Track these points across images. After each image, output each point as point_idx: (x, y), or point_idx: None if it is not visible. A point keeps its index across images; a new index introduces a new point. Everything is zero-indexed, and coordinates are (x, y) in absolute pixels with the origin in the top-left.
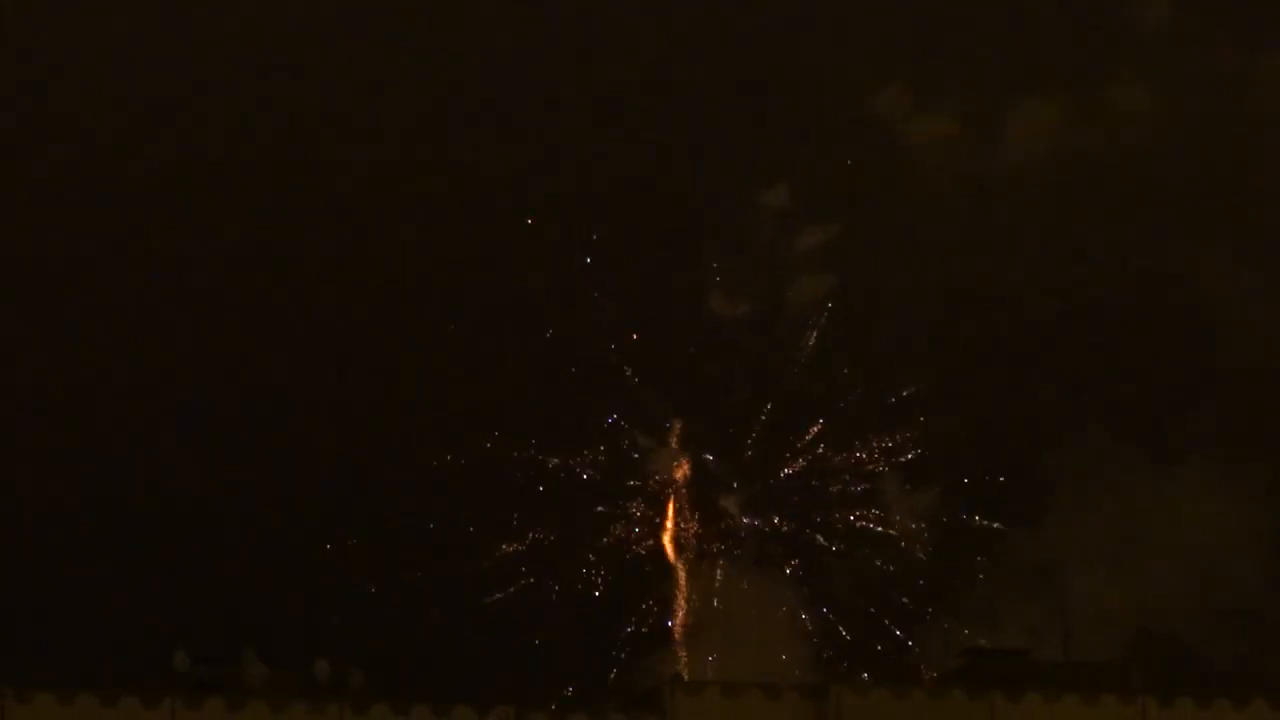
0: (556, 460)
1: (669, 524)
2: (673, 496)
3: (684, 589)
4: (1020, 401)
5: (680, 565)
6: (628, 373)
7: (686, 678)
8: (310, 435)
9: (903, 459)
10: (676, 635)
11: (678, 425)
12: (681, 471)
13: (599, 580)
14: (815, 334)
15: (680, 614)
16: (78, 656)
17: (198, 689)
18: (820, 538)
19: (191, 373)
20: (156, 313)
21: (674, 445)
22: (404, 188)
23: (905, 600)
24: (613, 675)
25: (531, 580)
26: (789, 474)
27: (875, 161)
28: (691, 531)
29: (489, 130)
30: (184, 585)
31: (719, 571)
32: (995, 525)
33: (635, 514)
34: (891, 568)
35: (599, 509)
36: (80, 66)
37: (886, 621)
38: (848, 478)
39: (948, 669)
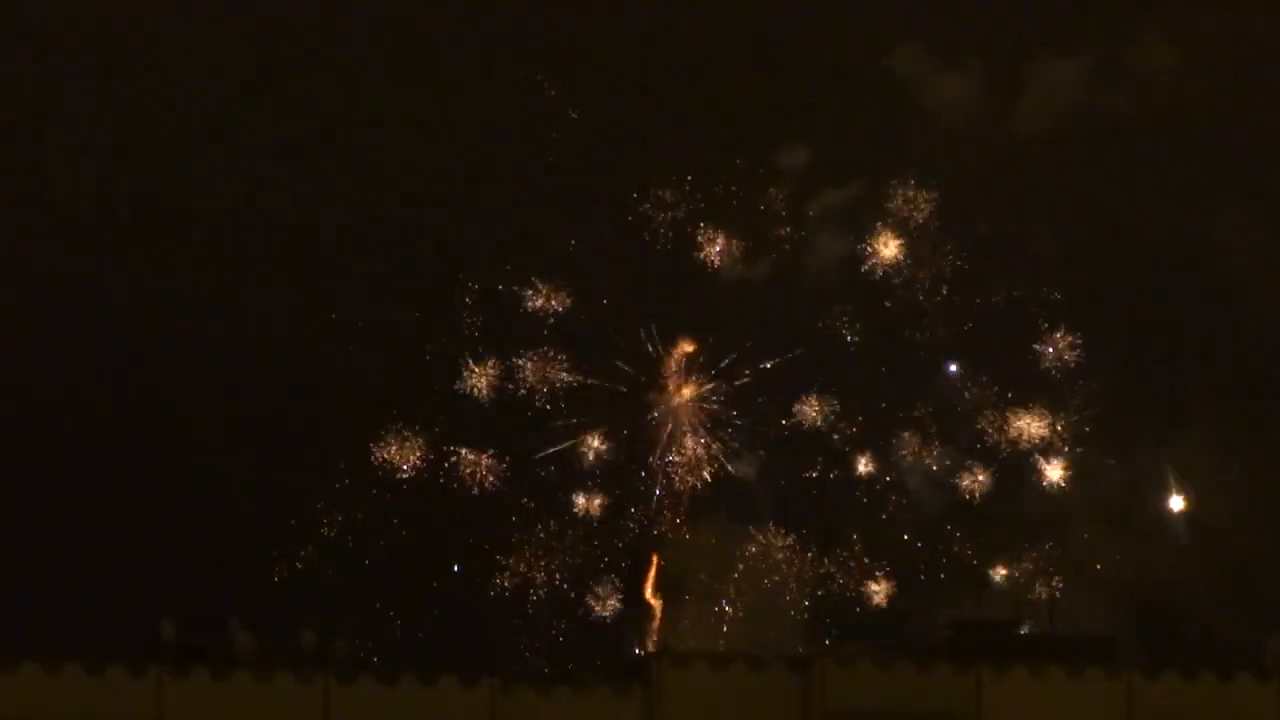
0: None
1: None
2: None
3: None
4: (1032, 361)
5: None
6: (641, 336)
7: (667, 647)
8: (291, 403)
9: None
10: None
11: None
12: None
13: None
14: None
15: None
16: (63, 626)
17: (184, 658)
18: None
19: (172, 345)
20: (133, 282)
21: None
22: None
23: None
24: (597, 646)
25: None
26: (797, 430)
27: (894, 122)
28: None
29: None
30: (170, 554)
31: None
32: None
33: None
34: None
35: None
36: None
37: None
38: (858, 434)
39: (935, 640)
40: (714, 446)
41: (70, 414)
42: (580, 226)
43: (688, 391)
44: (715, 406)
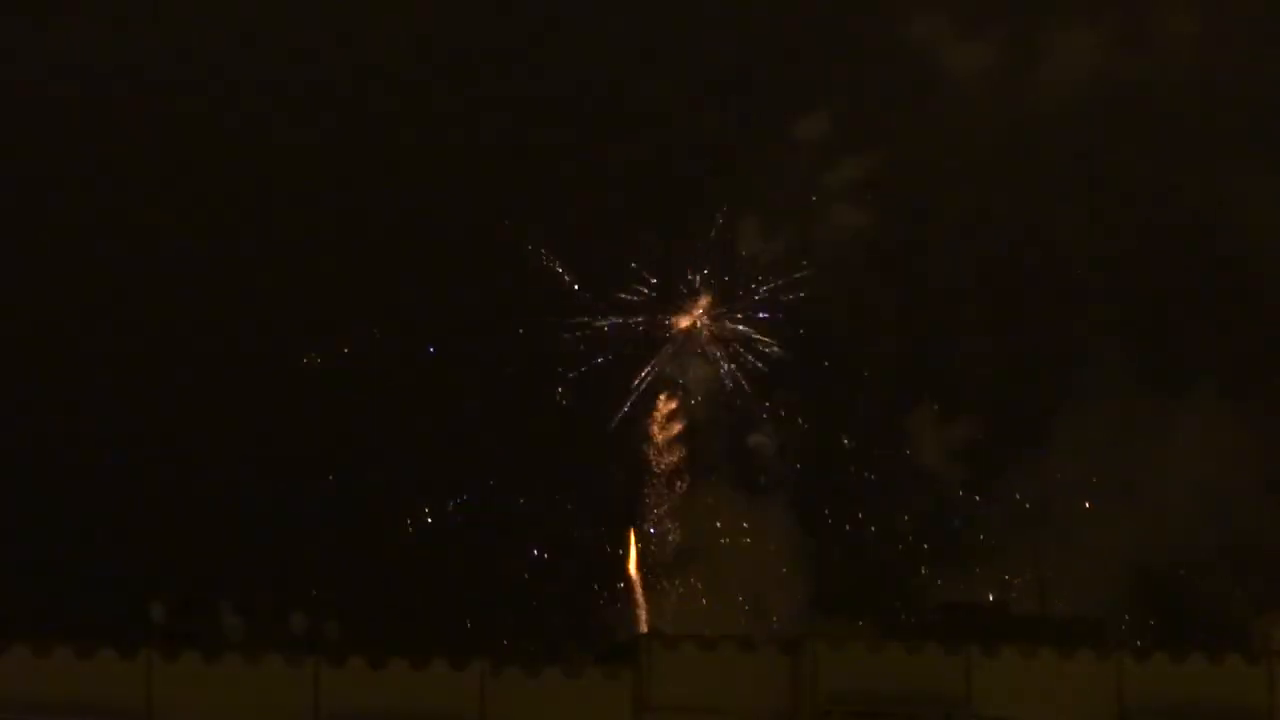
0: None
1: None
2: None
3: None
4: (1049, 333)
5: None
6: (659, 316)
7: (656, 629)
8: (285, 386)
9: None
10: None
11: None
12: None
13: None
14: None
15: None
16: (54, 609)
17: (174, 641)
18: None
19: (166, 328)
20: (132, 264)
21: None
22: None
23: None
24: (588, 624)
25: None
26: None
27: (914, 91)
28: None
29: (512, 57)
30: (160, 537)
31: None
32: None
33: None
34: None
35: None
36: None
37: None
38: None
39: (925, 622)
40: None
41: (57, 398)
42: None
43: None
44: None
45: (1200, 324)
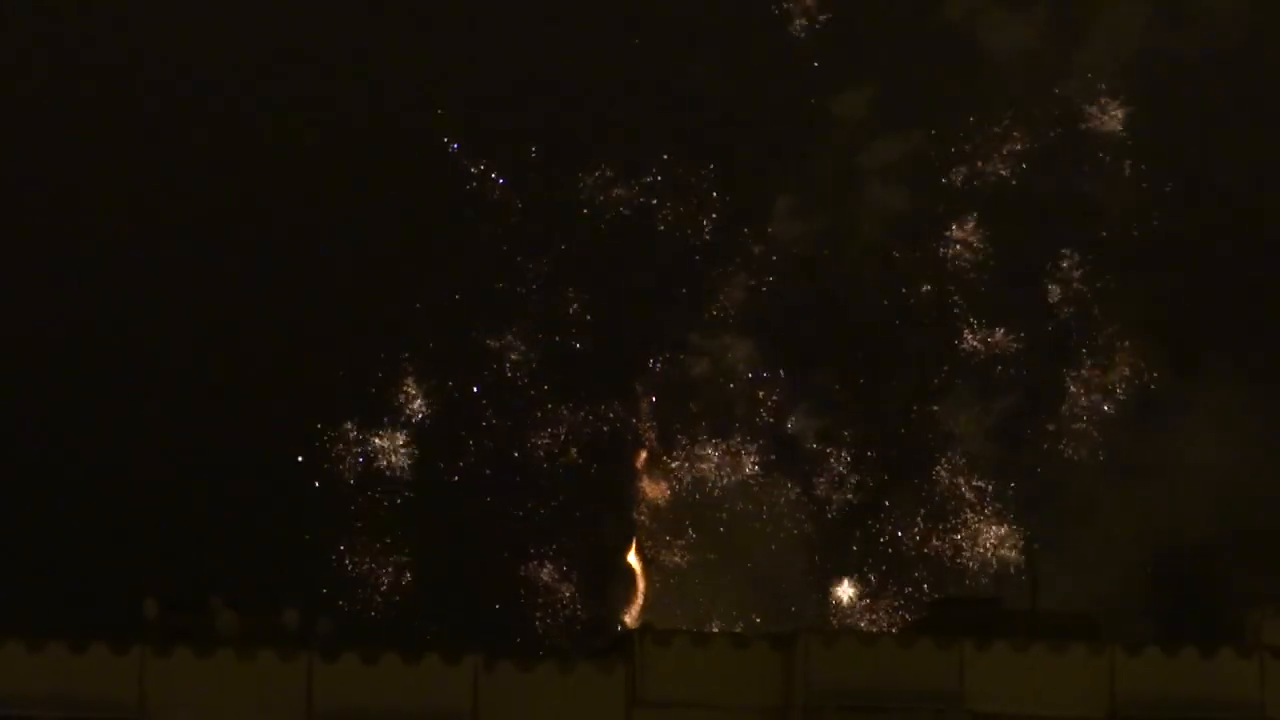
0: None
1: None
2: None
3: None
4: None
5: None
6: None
7: (649, 624)
8: (275, 381)
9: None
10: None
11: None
12: None
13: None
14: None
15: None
16: (46, 605)
17: (167, 637)
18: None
19: (157, 325)
20: (118, 263)
21: None
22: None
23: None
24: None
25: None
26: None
27: (954, 70)
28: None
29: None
30: (153, 533)
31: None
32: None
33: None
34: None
35: None
36: None
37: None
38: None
39: (918, 617)
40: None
41: (50, 390)
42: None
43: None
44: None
45: (1233, 307)
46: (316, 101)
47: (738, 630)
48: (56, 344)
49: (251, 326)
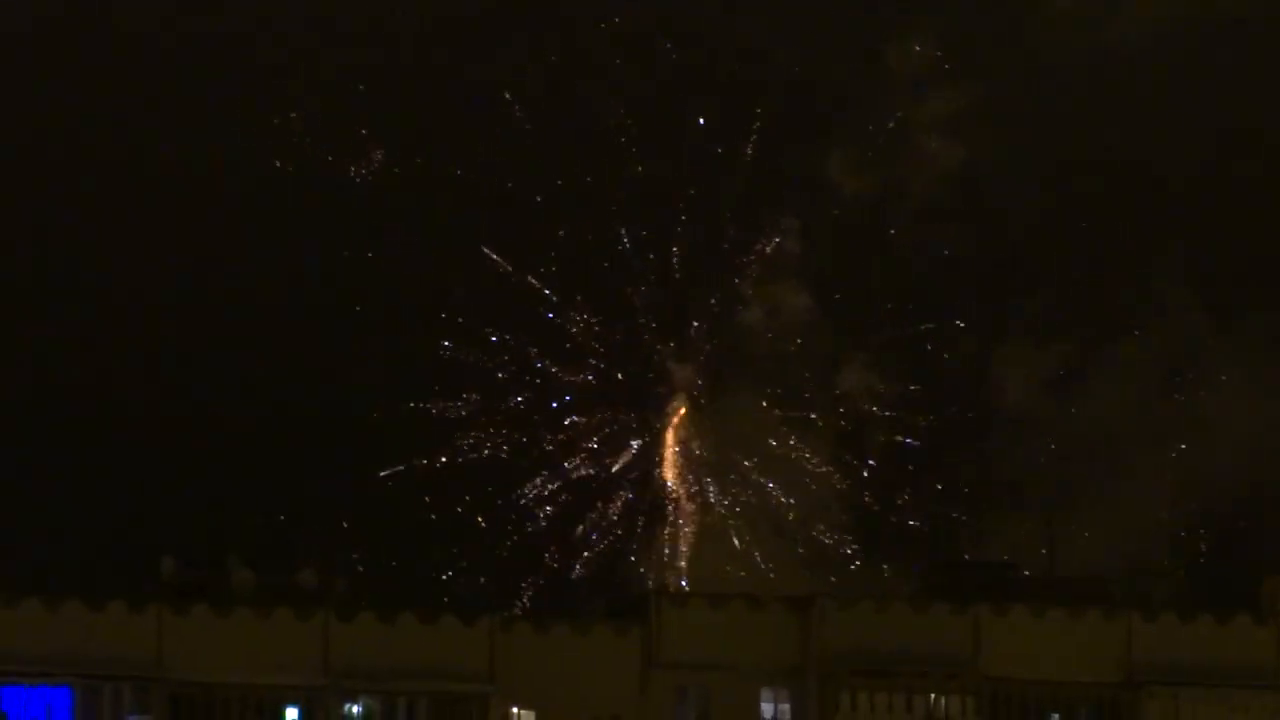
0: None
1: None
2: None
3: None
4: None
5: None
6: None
7: (666, 586)
8: (295, 344)
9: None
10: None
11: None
12: None
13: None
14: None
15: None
16: (65, 563)
17: (184, 595)
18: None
19: (179, 289)
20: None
21: None
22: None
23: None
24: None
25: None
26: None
27: (1006, 27)
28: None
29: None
30: (170, 492)
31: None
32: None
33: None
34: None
35: None
36: None
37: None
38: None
39: (931, 582)
40: None
41: (69, 354)
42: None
43: None
44: None
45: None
46: None
47: (754, 592)
48: (73, 311)
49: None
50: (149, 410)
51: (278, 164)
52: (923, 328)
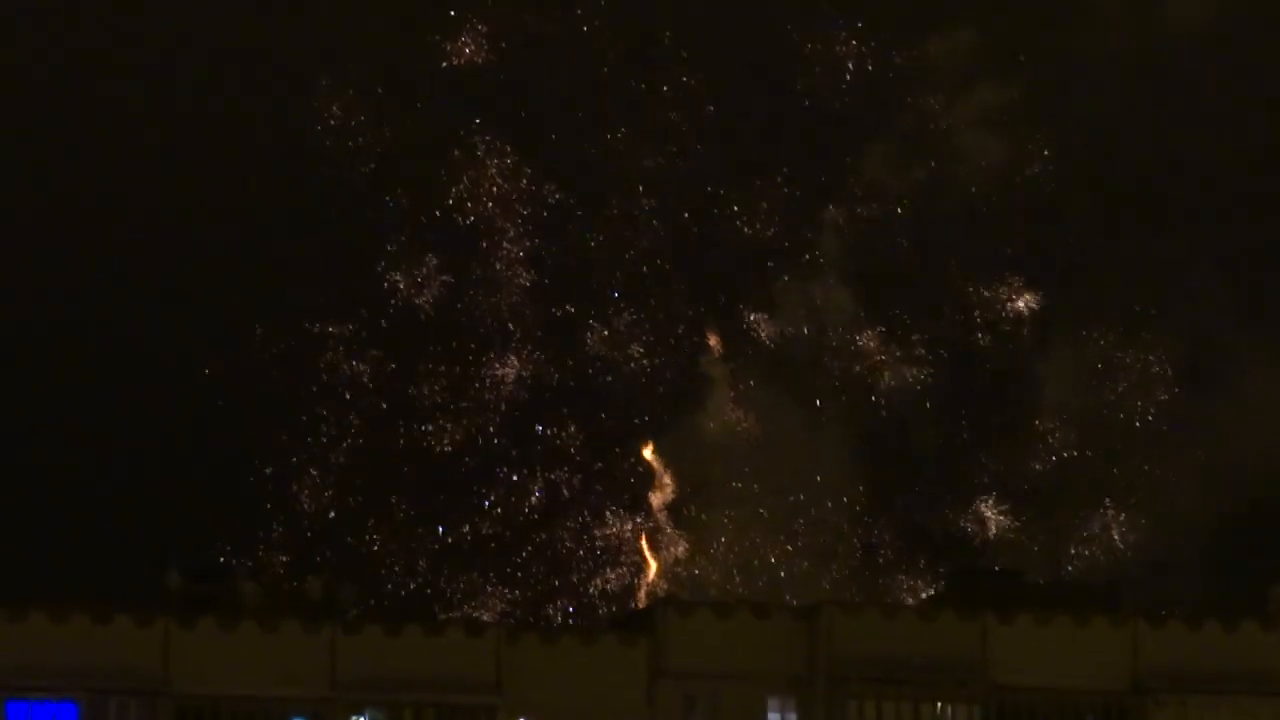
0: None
1: None
2: None
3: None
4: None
5: None
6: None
7: (673, 595)
8: (299, 354)
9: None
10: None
11: None
12: None
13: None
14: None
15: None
16: (71, 575)
17: (190, 608)
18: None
19: (178, 302)
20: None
21: None
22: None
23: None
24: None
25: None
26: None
27: (1052, 15)
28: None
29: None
30: (177, 505)
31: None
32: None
33: None
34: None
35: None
36: None
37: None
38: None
39: (939, 590)
40: None
41: (76, 367)
42: None
43: None
44: None
45: None
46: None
47: (761, 600)
48: (79, 325)
49: (269, 297)
50: (154, 422)
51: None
52: (959, 321)
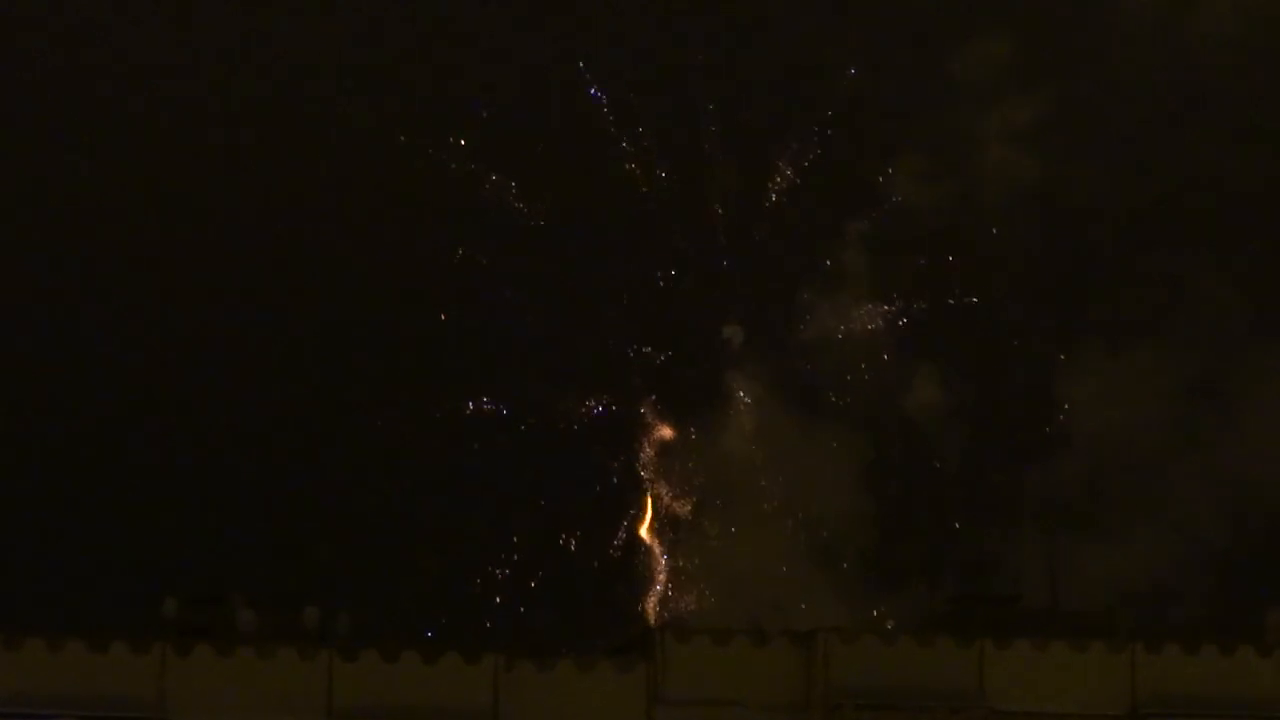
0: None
1: None
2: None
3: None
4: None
5: None
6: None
7: (670, 622)
8: (299, 380)
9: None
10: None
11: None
12: None
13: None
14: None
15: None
16: (67, 603)
17: (186, 636)
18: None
19: (179, 323)
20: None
21: None
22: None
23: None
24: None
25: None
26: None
27: (1081, 30)
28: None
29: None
30: (173, 531)
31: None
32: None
33: None
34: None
35: None
36: None
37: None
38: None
39: (936, 615)
40: None
41: (70, 388)
42: None
43: None
44: None
45: None
46: None
47: (759, 628)
48: (75, 345)
49: (270, 325)
50: (149, 449)
51: None
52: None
